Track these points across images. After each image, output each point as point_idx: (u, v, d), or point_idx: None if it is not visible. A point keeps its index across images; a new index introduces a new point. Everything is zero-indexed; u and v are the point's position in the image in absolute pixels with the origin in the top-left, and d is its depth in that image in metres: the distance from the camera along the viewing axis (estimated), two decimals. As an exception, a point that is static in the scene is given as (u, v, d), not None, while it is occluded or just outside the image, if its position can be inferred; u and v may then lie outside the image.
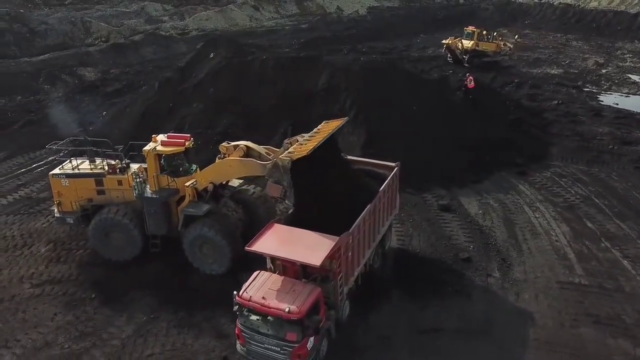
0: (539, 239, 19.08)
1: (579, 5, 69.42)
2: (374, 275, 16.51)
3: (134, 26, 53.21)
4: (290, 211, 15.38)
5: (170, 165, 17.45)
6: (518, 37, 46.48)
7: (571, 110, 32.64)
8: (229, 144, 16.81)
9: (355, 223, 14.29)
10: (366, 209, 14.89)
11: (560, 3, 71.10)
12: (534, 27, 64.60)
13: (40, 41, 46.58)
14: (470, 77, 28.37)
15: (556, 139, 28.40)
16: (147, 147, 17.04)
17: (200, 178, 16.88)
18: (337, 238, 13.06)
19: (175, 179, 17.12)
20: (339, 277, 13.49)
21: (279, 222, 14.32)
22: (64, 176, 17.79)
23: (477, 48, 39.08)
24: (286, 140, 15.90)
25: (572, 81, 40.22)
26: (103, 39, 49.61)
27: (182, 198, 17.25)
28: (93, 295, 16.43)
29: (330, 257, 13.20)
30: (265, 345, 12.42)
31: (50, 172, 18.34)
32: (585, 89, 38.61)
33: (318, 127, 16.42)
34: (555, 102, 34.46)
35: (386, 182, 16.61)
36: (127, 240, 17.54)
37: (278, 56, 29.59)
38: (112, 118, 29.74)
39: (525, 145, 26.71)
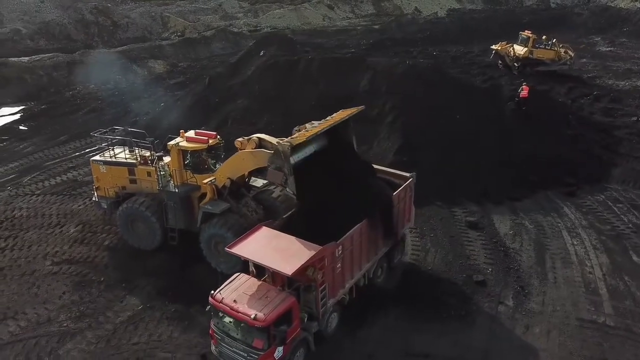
0: (569, 268, 17.30)
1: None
2: (373, 289, 15.77)
3: (209, 22, 55.19)
4: (287, 214, 15.10)
5: (195, 161, 17.72)
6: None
7: (650, 129, 29.36)
8: (243, 138, 16.76)
9: (348, 234, 13.73)
10: (363, 220, 14.25)
11: (668, 9, 64.52)
12: (633, 35, 58.89)
13: (121, 34, 49.73)
14: (525, 86, 26.34)
15: (621, 160, 25.60)
16: (171, 142, 17.45)
17: (218, 175, 16.90)
18: (319, 247, 12.60)
19: (196, 175, 17.34)
20: (320, 288, 13.00)
21: (269, 224, 14.07)
22: (102, 163, 18.70)
23: (530, 55, 35.51)
24: (295, 128, 15.60)
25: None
26: (178, 34, 51.97)
27: (204, 195, 17.36)
28: (102, 279, 17.13)
29: (319, 267, 12.79)
30: (234, 349, 12.26)
31: (92, 158, 19.42)
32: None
33: (333, 115, 16.02)
34: (635, 118, 31.15)
35: (395, 193, 15.77)
36: (148, 230, 18.07)
37: (323, 57, 29.25)
38: (163, 110, 30.96)
39: (581, 164, 24.34)
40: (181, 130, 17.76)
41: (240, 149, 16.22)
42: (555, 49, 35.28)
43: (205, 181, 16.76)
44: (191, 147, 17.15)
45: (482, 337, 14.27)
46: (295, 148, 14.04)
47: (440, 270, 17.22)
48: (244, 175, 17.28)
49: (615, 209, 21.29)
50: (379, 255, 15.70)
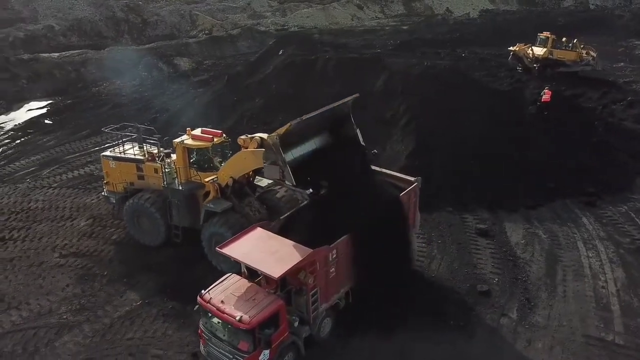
0: (581, 282, 16.52)
1: None
2: (371, 295, 15.37)
3: (237, 20, 55.65)
4: (285, 215, 14.92)
5: (200, 159, 17.75)
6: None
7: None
8: (247, 136, 16.66)
9: (342, 238, 13.44)
10: (359, 224, 13.92)
11: None
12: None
13: (150, 31, 50.67)
14: (547, 91, 25.41)
15: (649, 169, 24.46)
16: (176, 140, 17.52)
17: (221, 174, 16.89)
18: (310, 251, 12.38)
19: (200, 173, 17.37)
20: (311, 292, 12.77)
21: (264, 225, 13.92)
22: (112, 158, 18.97)
23: (550, 56, 34.10)
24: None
25: None
26: (206, 32, 52.60)
27: (209, 193, 17.36)
28: (105, 273, 17.34)
29: (310, 271, 12.59)
30: (221, 350, 12.15)
31: (102, 154, 19.70)
32: None
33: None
34: (669, 126, 29.67)
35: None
36: (153, 227, 18.22)
37: (340, 56, 28.95)
38: (183, 107, 31.29)
39: (604, 172, 23.29)
40: (188, 128, 17.79)
41: (243, 147, 16.16)
42: (577, 50, 33.88)
43: (207, 179, 16.73)
44: (196, 145, 17.18)
45: (481, 350, 13.74)
46: (288, 141, 13.66)
47: (444, 278, 16.71)
48: (248, 174, 17.22)
49: (637, 220, 20.25)
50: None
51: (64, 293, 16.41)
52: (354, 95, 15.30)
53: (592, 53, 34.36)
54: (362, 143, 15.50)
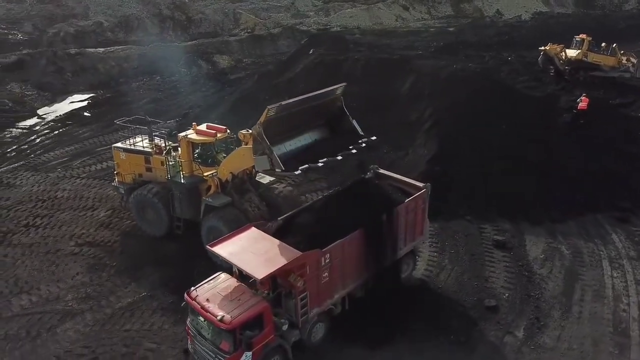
0: (600, 303, 15.43)
1: None
2: (371, 303, 14.93)
3: (280, 19, 55.89)
4: (284, 216, 14.70)
5: (204, 154, 17.93)
6: None
7: None
8: (247, 131, 16.66)
9: (338, 242, 13.11)
10: (357, 230, 13.55)
11: None
12: None
13: (194, 29, 51.70)
14: (584, 98, 23.93)
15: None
16: (181, 134, 17.76)
17: (222, 169, 17.09)
18: (298, 254, 12.12)
19: (202, 167, 17.59)
20: (300, 296, 12.49)
21: (260, 225, 13.76)
22: (122, 150, 19.48)
23: (584, 59, 31.83)
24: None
25: None
26: (249, 30, 53.09)
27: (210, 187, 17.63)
28: (114, 263, 17.70)
29: (299, 274, 12.34)
30: (204, 349, 12.08)
31: (113, 145, 20.24)
32: None
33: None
34: None
35: (402, 204, 14.85)
36: (156, 217, 18.61)
37: (368, 57, 28.43)
38: (215, 103, 31.70)
39: (640, 186, 21.77)
40: (194, 123, 18.05)
41: (243, 142, 16.19)
42: (617, 55, 31.68)
43: (207, 174, 17.02)
44: (198, 140, 17.50)
45: (478, 368, 13.08)
46: (277, 130, 13.45)
47: (451, 290, 16.02)
48: (249, 171, 17.33)
49: (674, 241, 18.79)
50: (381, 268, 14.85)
51: (73, 281, 16.86)
52: (341, 84, 14.92)
53: (632, 60, 32.15)
54: (361, 133, 15.07)
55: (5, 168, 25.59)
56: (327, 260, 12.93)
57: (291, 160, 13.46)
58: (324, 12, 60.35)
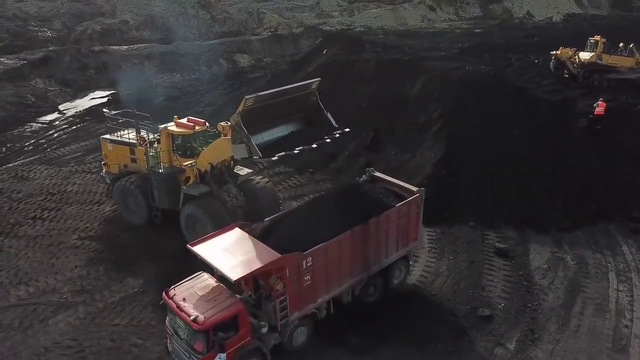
0: (600, 317, 14.73)
1: None
2: (359, 308, 14.67)
3: (303, 19, 55.93)
4: (270, 218, 14.55)
5: (183, 146, 18.39)
6: None
7: None
8: (226, 122, 16.75)
9: (321, 245, 12.88)
10: (343, 233, 13.30)
11: None
12: None
13: (217, 28, 52.23)
14: (601, 102, 22.96)
15: None
16: (162, 126, 18.27)
17: (201, 160, 17.63)
18: (277, 256, 11.96)
19: (180, 158, 18.11)
20: (279, 299, 12.32)
21: (245, 226, 13.64)
22: (109, 141, 20.20)
23: (598, 61, 30.49)
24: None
25: None
26: (272, 30, 53.33)
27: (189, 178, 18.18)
28: (112, 258, 17.92)
29: (279, 277, 12.19)
30: (180, 348, 12.05)
31: (101, 136, 20.84)
32: None
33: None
34: None
35: (392, 208, 14.51)
36: (137, 207, 19.31)
37: (380, 58, 28.02)
38: (229, 101, 31.83)
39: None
40: (175, 116, 18.65)
41: (222, 133, 16.54)
42: (635, 56, 30.17)
43: (186, 164, 17.57)
44: (178, 132, 17.98)
45: (463, 380, 12.65)
46: (255, 121, 13.54)
47: (445, 297, 15.58)
48: (228, 162, 17.92)
49: (690, 255, 17.81)
50: (370, 273, 14.55)
51: (71, 274, 17.14)
52: (316, 79, 15.33)
53: None
54: (335, 125, 15.33)
55: (21, 161, 26.34)
56: (309, 264, 12.71)
57: (268, 148, 13.74)
58: (348, 12, 60.13)
